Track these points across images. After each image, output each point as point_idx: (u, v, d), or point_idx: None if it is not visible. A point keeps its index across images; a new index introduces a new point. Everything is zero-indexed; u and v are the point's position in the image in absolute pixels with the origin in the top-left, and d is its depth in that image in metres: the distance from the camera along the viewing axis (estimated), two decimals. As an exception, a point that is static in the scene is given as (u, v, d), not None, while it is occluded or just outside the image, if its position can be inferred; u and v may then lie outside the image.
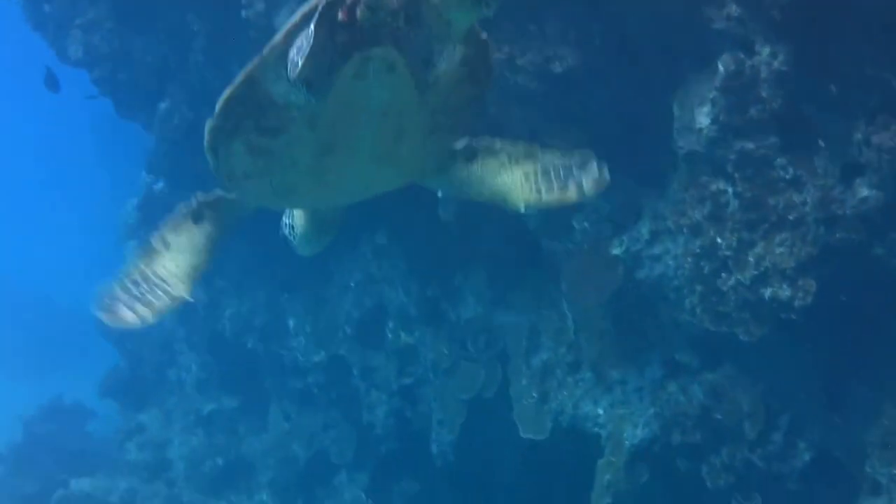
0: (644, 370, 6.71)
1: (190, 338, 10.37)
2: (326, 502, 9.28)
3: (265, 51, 2.85)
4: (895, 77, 5.27)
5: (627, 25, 6.07)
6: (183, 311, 9.34)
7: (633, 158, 6.33)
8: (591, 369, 6.91)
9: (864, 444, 5.98)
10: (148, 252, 3.50)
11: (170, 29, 8.67)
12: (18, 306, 21.75)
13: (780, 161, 5.61)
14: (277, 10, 7.16)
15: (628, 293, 6.56)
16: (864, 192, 5.47)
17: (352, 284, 8.64)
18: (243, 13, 7.40)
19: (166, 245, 3.50)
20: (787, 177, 5.61)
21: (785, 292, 5.62)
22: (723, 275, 5.83)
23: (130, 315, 3.32)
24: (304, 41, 2.66)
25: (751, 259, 5.71)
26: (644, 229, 6.49)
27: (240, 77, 2.90)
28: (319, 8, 2.58)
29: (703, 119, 5.70)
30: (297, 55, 2.70)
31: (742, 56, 5.53)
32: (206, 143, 3.12)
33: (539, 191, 3.48)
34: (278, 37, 2.81)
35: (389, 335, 8.37)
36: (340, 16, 2.58)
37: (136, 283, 3.40)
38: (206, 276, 3.70)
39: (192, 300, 3.46)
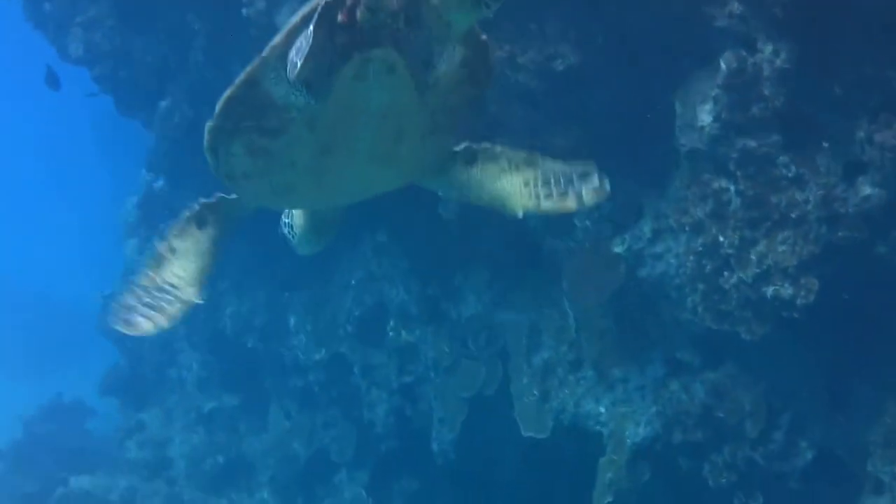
0: (646, 368, 6.69)
1: (191, 336, 10.36)
2: (327, 500, 9.28)
3: (265, 51, 2.85)
4: (898, 75, 5.26)
5: (629, 23, 6.06)
6: (183, 310, 9.32)
7: (635, 156, 6.32)
8: (593, 367, 6.90)
9: (867, 443, 5.97)
10: (156, 260, 3.55)
11: (170, 27, 8.67)
12: (18, 305, 21.76)
13: (783, 159, 5.60)
14: (278, 8, 7.15)
15: (630, 291, 6.55)
16: (867, 190, 5.45)
17: (353, 282, 8.63)
18: (244, 11, 7.39)
19: (173, 251, 3.55)
20: (790, 175, 5.59)
21: (787, 291, 5.61)
22: (725, 273, 5.82)
23: (147, 323, 3.40)
24: (304, 42, 2.66)
25: (753, 257, 5.70)
26: (646, 227, 6.48)
27: (240, 77, 2.91)
28: (318, 9, 2.58)
29: (705, 117, 5.69)
30: (296, 56, 2.70)
31: (744, 54, 5.52)
32: (205, 143, 3.13)
33: (538, 197, 3.48)
34: (279, 37, 2.82)
35: (390, 333, 8.36)
36: (340, 17, 2.58)
37: (147, 292, 3.47)
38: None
39: (202, 303, 3.52)
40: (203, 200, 3.59)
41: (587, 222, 6.63)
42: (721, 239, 5.79)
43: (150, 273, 3.51)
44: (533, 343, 7.25)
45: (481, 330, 7.69)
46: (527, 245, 7.08)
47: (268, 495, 9.78)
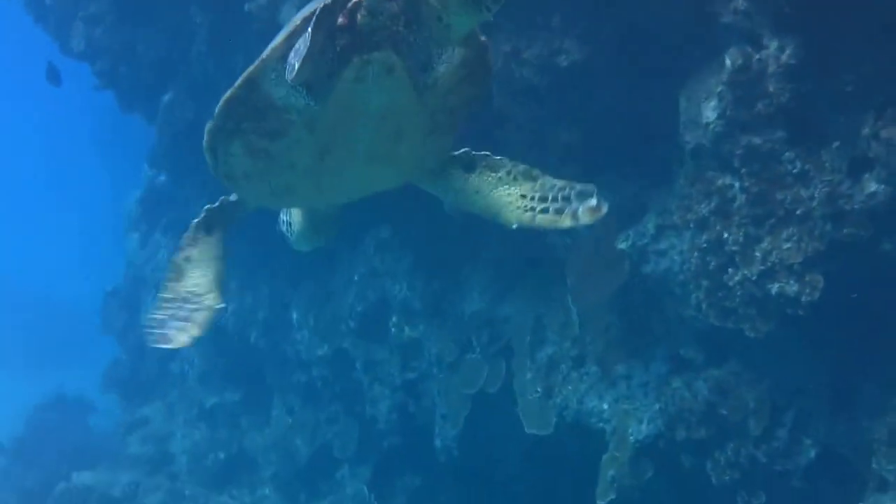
0: (649, 365, 6.68)
1: (193, 331, 10.34)
2: (329, 497, 9.28)
3: (266, 53, 2.86)
4: (905, 72, 5.23)
5: (634, 19, 6.03)
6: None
7: (639, 153, 6.30)
8: (596, 364, 6.89)
9: (871, 441, 5.94)
10: (175, 271, 3.62)
11: (172, 22, 8.66)
12: (18, 304, 21.82)
13: (788, 155, 5.56)
14: (281, 3, 7.13)
15: (634, 288, 6.53)
16: (873, 186, 5.41)
17: (355, 278, 8.62)
18: (246, 6, 7.39)
19: (188, 260, 3.62)
20: (795, 171, 5.56)
21: (792, 288, 5.58)
22: (729, 270, 5.79)
23: (182, 335, 3.48)
24: (302, 44, 2.66)
25: (757, 254, 5.67)
26: (650, 224, 6.47)
27: (240, 78, 2.92)
28: (317, 12, 2.58)
29: (709, 113, 5.66)
30: (294, 58, 2.70)
31: (749, 50, 5.49)
32: (205, 144, 3.16)
33: (533, 210, 3.48)
34: (279, 39, 2.82)
35: (393, 329, 8.35)
36: (340, 20, 2.59)
37: (175, 304, 3.54)
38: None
39: (224, 306, 3.61)
40: (208, 206, 3.64)
41: (591, 219, 6.60)
42: (725, 236, 5.77)
43: (173, 285, 3.58)
44: (536, 339, 7.24)
45: (484, 326, 7.69)
46: (530, 241, 7.06)
47: (270, 491, 9.79)
